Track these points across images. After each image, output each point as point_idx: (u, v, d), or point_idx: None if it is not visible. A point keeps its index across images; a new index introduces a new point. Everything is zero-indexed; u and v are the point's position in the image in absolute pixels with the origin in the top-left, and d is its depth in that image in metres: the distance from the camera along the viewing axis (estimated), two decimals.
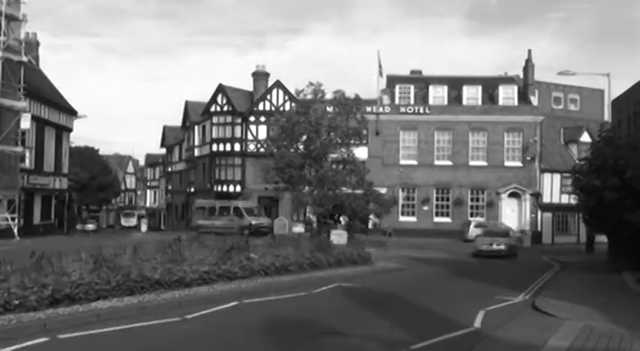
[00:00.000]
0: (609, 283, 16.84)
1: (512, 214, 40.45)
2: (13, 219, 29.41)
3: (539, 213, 40.66)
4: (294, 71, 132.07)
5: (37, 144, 34.48)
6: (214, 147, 42.66)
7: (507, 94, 41.65)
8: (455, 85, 42.48)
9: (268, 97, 42.16)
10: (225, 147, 42.29)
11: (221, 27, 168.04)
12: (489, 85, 42.45)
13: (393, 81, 43.73)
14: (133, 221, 69.08)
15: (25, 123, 30.65)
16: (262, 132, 40.72)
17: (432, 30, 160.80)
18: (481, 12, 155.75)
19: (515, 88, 41.90)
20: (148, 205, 78.34)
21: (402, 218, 40.52)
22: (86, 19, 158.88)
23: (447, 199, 40.81)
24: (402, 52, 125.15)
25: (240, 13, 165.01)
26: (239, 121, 42.10)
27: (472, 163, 40.85)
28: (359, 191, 29.41)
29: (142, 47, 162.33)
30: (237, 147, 42.00)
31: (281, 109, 39.19)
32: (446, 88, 42.19)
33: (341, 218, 30.76)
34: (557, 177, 41.00)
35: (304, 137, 28.84)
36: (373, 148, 40.53)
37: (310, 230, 31.99)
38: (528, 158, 40.59)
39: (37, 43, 39.31)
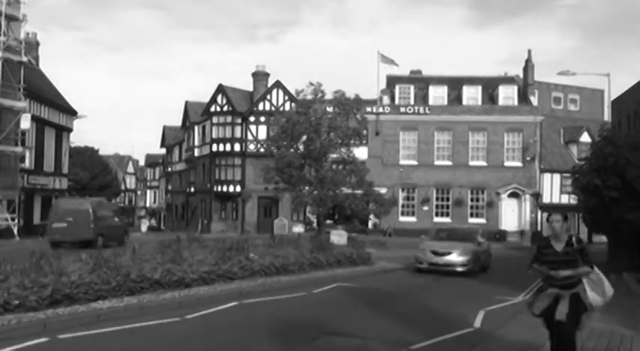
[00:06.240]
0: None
1: (512, 214, 40.48)
2: (13, 219, 29.42)
3: (539, 213, 40.63)
4: (287, 65, 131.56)
5: (37, 144, 34.47)
6: (214, 147, 42.67)
7: (507, 94, 41.67)
8: (455, 85, 42.52)
9: (268, 97, 42.17)
10: (225, 147, 42.30)
11: (211, 19, 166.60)
12: (489, 85, 42.48)
13: (392, 81, 43.76)
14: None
15: (25, 123, 30.65)
16: (262, 132, 40.74)
17: (434, 21, 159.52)
18: (486, 1, 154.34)
19: (515, 88, 41.91)
20: (148, 205, 78.35)
21: (402, 218, 40.56)
22: (71, 11, 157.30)
23: (447, 199, 40.82)
24: (402, 46, 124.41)
25: (230, 3, 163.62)
26: (239, 121, 42.12)
27: (472, 163, 40.86)
28: (359, 191, 29.40)
29: (130, 41, 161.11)
30: (237, 147, 42.03)
31: (281, 109, 39.18)
32: (446, 88, 42.22)
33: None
34: (557, 177, 41.02)
35: (304, 137, 28.80)
36: (373, 148, 40.54)
37: (310, 230, 31.99)
38: (528, 158, 40.60)
39: (37, 43, 39.30)
